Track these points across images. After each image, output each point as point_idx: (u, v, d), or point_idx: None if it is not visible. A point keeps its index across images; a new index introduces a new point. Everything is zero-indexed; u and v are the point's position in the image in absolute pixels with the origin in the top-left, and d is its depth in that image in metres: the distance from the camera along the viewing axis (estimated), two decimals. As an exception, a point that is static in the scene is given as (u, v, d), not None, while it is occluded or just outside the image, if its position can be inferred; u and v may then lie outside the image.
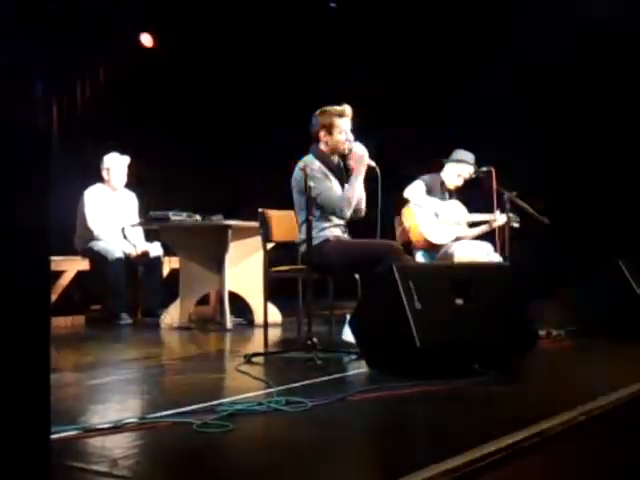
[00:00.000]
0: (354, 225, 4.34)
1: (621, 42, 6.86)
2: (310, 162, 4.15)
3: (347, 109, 4.19)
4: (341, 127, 4.18)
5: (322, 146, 4.23)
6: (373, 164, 4.11)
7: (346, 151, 4.21)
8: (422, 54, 7.65)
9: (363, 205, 4.28)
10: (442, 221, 5.32)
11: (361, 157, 4.11)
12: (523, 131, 7.21)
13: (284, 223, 4.46)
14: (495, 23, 7.28)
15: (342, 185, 4.25)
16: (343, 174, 4.30)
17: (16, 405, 1.42)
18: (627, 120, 7.06)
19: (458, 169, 5.42)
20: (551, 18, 6.90)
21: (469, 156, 5.42)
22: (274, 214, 4.48)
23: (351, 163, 4.21)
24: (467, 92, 7.25)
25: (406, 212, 5.32)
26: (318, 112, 4.23)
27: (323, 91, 7.25)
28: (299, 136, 4.48)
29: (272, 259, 4.38)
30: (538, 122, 7.27)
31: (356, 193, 4.15)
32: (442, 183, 5.45)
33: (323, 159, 4.21)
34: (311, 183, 3.90)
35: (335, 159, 4.29)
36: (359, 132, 4.26)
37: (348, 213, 4.13)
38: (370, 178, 4.18)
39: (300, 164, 4.13)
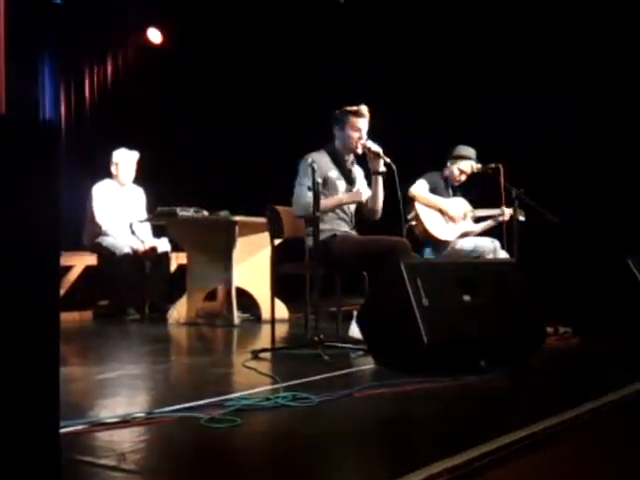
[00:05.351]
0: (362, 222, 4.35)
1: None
2: (318, 156, 4.18)
3: (362, 108, 4.24)
4: (355, 125, 4.22)
5: (336, 143, 4.31)
6: (388, 160, 4.12)
7: (358, 149, 4.24)
8: (429, 53, 7.64)
9: (379, 207, 4.30)
10: (447, 218, 5.32)
11: (376, 154, 4.13)
12: (533, 127, 7.19)
13: (292, 219, 4.47)
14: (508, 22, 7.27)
15: (349, 184, 4.32)
16: (351, 171, 4.36)
17: (26, 399, 1.43)
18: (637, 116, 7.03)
19: (460, 165, 5.40)
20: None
21: (470, 151, 5.40)
22: (282, 210, 4.48)
23: (370, 163, 4.22)
24: (477, 90, 7.24)
25: (411, 210, 5.31)
26: (336, 111, 4.31)
27: (331, 88, 7.29)
28: (307, 133, 4.50)
29: (279, 255, 4.38)
30: (546, 118, 7.25)
31: (331, 205, 4.17)
32: (445, 180, 5.45)
33: (333, 155, 4.29)
34: (319, 179, 3.90)
35: (349, 158, 4.34)
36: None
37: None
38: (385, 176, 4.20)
39: (307, 157, 4.14)
